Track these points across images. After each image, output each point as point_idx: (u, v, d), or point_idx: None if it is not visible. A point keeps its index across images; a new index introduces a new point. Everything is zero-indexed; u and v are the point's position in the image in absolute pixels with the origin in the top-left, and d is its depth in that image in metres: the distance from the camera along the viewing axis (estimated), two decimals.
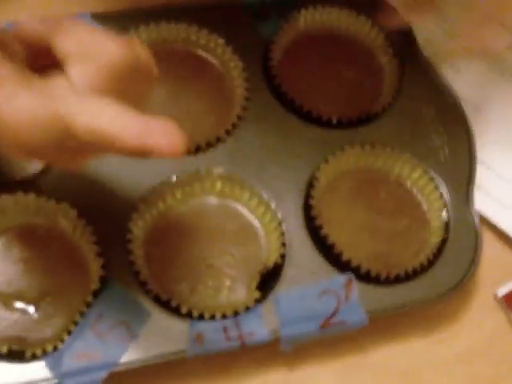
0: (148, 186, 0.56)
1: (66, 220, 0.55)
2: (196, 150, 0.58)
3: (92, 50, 0.41)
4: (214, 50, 0.63)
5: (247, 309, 0.53)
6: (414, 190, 0.60)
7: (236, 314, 0.53)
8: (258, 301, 0.54)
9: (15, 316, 0.52)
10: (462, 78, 0.67)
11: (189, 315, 0.52)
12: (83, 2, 0.64)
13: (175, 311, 0.53)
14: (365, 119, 0.61)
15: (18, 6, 0.64)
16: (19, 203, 0.55)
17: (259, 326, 0.52)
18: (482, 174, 0.62)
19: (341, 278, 0.55)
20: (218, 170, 0.58)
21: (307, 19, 0.65)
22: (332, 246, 0.55)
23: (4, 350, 0.50)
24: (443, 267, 0.56)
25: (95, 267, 0.53)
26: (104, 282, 0.53)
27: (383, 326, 0.56)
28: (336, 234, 0.56)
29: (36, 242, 0.55)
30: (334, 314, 0.53)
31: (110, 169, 0.56)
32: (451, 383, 0.56)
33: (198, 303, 0.54)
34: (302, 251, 0.56)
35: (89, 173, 0.56)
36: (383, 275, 0.55)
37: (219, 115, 0.61)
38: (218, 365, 0.54)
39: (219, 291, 0.55)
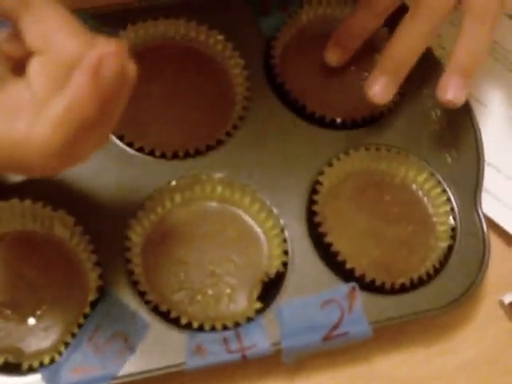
0: (146, 192, 0.55)
1: (62, 227, 0.53)
2: (196, 153, 0.57)
3: (54, 47, 0.38)
4: (213, 46, 0.61)
5: (248, 319, 0.52)
6: (420, 194, 0.58)
7: (237, 324, 0.52)
8: (260, 311, 0.52)
9: (11, 326, 0.51)
10: None
11: (188, 326, 0.51)
12: None
13: (175, 322, 0.51)
14: (369, 120, 0.60)
15: None
16: (15, 209, 0.53)
17: (261, 338, 0.51)
18: (489, 176, 0.60)
19: (344, 288, 0.53)
20: (219, 175, 0.56)
21: (310, 15, 0.63)
22: (335, 254, 0.54)
23: (0, 361, 0.49)
24: (449, 275, 0.55)
25: (93, 277, 0.51)
26: (102, 292, 0.51)
27: (387, 335, 0.55)
28: (340, 242, 0.54)
29: (32, 250, 0.53)
30: (337, 326, 0.52)
31: (108, 175, 0.55)
32: None
33: (197, 313, 0.53)
34: (305, 259, 0.54)
35: (86, 179, 0.54)
36: (388, 284, 0.54)
37: (219, 115, 0.59)
38: (218, 375, 0.53)
39: (219, 300, 0.53)
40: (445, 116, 0.60)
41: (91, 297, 0.51)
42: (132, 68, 0.40)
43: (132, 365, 0.50)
